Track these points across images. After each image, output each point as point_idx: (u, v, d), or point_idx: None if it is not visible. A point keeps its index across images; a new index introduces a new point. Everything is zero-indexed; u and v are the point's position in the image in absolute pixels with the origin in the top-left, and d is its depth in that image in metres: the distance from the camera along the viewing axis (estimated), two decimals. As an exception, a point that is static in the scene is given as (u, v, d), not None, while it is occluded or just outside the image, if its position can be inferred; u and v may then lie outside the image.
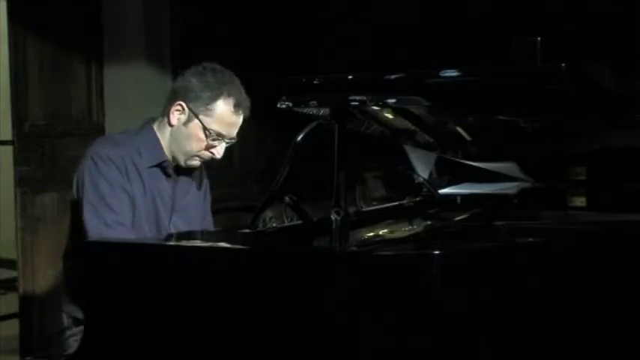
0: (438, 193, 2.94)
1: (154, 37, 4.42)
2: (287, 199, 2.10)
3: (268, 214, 2.20)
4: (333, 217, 1.86)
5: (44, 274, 4.13)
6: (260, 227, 2.15)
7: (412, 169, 2.90)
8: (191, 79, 2.38)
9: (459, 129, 2.68)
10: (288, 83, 2.07)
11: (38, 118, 4.18)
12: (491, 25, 4.30)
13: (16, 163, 4.15)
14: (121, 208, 2.30)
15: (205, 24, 4.50)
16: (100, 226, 2.27)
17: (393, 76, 2.01)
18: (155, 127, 2.45)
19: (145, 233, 2.37)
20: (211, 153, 2.40)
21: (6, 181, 4.43)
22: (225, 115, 2.36)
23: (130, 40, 4.41)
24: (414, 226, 2.65)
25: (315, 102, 2.02)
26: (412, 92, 2.06)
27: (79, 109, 4.37)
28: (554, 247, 2.02)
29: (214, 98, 2.35)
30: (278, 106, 2.06)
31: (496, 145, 2.82)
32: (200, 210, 2.57)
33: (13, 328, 4.30)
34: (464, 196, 2.94)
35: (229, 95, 2.36)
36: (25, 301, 4.16)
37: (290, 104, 2.06)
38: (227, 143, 2.41)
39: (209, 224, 2.62)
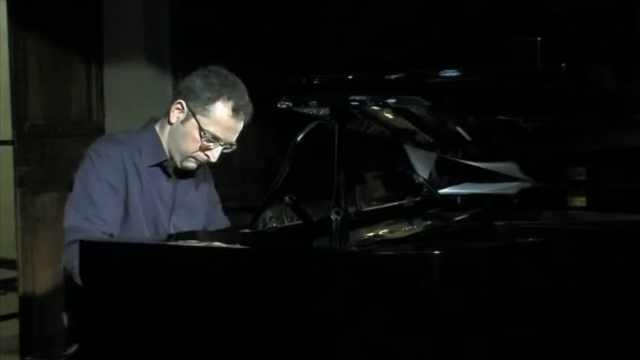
0: (438, 193, 2.94)
1: (154, 37, 4.42)
2: (287, 199, 2.10)
3: (268, 214, 2.19)
4: (333, 217, 1.86)
5: (44, 274, 4.13)
6: (260, 227, 2.15)
7: (412, 169, 2.90)
8: (195, 80, 2.39)
9: (459, 129, 2.68)
10: (288, 83, 2.07)
11: (38, 118, 4.18)
12: (491, 25, 4.30)
13: (16, 163, 4.15)
14: (105, 204, 2.30)
15: (205, 24, 4.50)
16: (79, 219, 2.28)
17: (393, 76, 2.00)
18: (157, 126, 2.46)
19: (144, 232, 2.37)
20: (206, 156, 2.40)
21: (6, 181, 4.43)
22: (223, 118, 2.36)
23: (130, 40, 4.41)
24: (414, 226, 2.65)
25: (315, 102, 2.02)
26: (412, 92, 2.06)
27: (79, 109, 4.37)
28: (554, 247, 2.01)
29: (213, 100, 2.35)
30: (278, 106, 2.06)
31: (496, 145, 2.82)
32: (203, 209, 2.56)
33: (13, 328, 4.31)
34: (464, 196, 2.94)
35: (229, 98, 2.36)
36: (25, 301, 4.16)
37: (290, 104, 2.06)
38: (224, 148, 2.40)
39: (219, 216, 2.61)
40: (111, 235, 2.29)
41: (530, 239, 2.16)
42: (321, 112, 2.06)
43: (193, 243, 2.19)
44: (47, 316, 4.10)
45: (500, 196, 2.87)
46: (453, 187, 3.00)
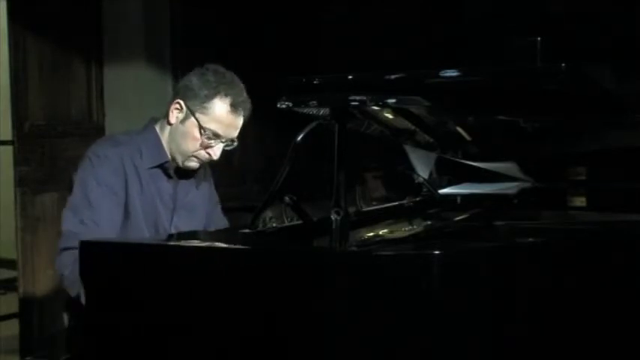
0: (438, 193, 2.94)
1: (154, 37, 4.42)
2: (287, 199, 2.10)
3: (268, 214, 2.20)
4: (333, 217, 1.86)
5: (44, 274, 4.13)
6: (260, 227, 2.15)
7: (412, 169, 2.91)
8: (192, 79, 2.39)
9: (459, 129, 2.68)
10: (288, 83, 2.07)
11: (38, 118, 4.18)
12: (491, 25, 4.30)
13: (16, 163, 4.15)
14: (102, 207, 2.30)
15: (205, 24, 4.50)
16: (74, 224, 2.28)
17: (393, 76, 2.00)
18: (157, 127, 2.46)
19: (144, 234, 2.37)
20: (208, 154, 2.40)
21: (6, 181, 4.43)
22: (222, 115, 2.36)
23: (130, 40, 4.41)
24: (414, 226, 2.65)
25: (315, 102, 2.02)
26: (412, 92, 2.06)
27: (79, 109, 4.37)
28: (554, 247, 2.01)
29: (211, 97, 2.35)
30: (278, 106, 2.06)
31: (496, 145, 2.82)
32: (204, 208, 2.56)
33: (13, 328, 4.31)
34: (464, 196, 2.94)
35: (227, 95, 2.35)
36: (25, 301, 4.17)
37: (290, 104, 2.06)
38: (225, 145, 2.40)
39: (218, 217, 2.61)
40: None
41: (530, 239, 2.16)
42: (321, 112, 2.06)
43: (193, 243, 2.19)
44: (47, 316, 4.10)
45: (500, 196, 2.87)
46: (453, 187, 3.00)
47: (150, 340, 1.96)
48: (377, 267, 1.76)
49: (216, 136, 2.37)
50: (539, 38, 2.04)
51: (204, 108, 2.35)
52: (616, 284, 2.04)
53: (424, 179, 2.91)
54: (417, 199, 2.92)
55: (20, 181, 4.13)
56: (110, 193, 2.32)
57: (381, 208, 2.80)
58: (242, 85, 2.40)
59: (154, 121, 2.48)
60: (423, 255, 1.80)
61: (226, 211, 2.71)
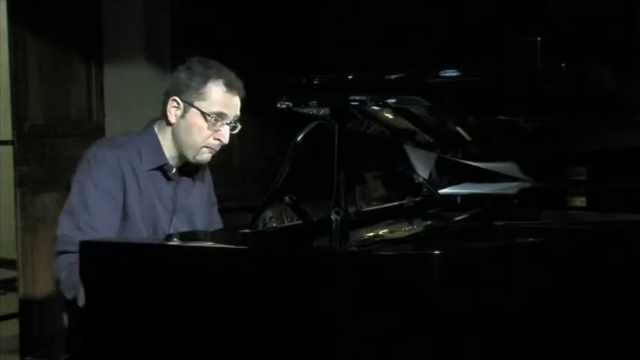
0: (438, 193, 2.94)
1: (154, 37, 4.42)
2: (287, 199, 2.10)
3: (268, 214, 2.20)
4: (333, 217, 1.86)
5: (44, 274, 4.13)
6: (260, 227, 2.15)
7: (412, 169, 2.91)
8: (179, 75, 2.41)
9: (459, 129, 2.68)
10: (288, 83, 2.07)
11: (38, 118, 4.18)
12: (491, 25, 4.29)
13: (16, 163, 4.15)
14: (99, 212, 2.29)
15: (205, 24, 4.50)
16: (71, 228, 2.27)
17: (393, 76, 2.01)
18: (156, 129, 2.45)
19: (142, 236, 2.36)
20: (217, 140, 2.40)
21: (6, 181, 4.43)
22: (220, 95, 2.37)
23: (130, 40, 4.41)
24: (414, 226, 2.65)
25: (315, 102, 2.02)
26: (412, 92, 2.06)
27: (79, 109, 4.37)
28: (554, 247, 2.01)
29: (204, 82, 2.37)
30: (278, 106, 2.06)
31: (496, 145, 2.82)
32: (202, 209, 2.56)
33: (13, 328, 4.30)
34: (464, 196, 2.94)
35: (218, 77, 2.38)
36: (25, 301, 4.16)
37: (290, 104, 2.06)
38: (231, 128, 2.40)
39: (214, 218, 2.61)
40: None
41: (530, 239, 2.16)
42: (321, 112, 2.06)
43: (194, 243, 2.19)
44: (47, 316, 4.10)
45: (500, 196, 2.87)
46: (453, 187, 3.00)
47: (150, 340, 1.96)
48: (377, 267, 1.76)
49: (221, 116, 2.38)
50: (539, 38, 2.04)
51: (201, 94, 2.37)
52: (616, 284, 2.04)
53: (424, 179, 2.91)
54: (417, 199, 2.92)
55: (20, 181, 4.13)
56: (107, 197, 2.32)
57: (381, 208, 2.80)
58: (226, 69, 2.42)
59: (154, 121, 2.48)
60: (423, 255, 1.80)
61: (226, 211, 2.71)
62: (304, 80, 2.05)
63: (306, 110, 2.08)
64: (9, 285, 5.09)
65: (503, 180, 2.93)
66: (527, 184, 2.91)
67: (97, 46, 4.43)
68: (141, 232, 2.36)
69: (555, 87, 2.02)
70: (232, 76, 2.41)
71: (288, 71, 2.18)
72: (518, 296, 1.86)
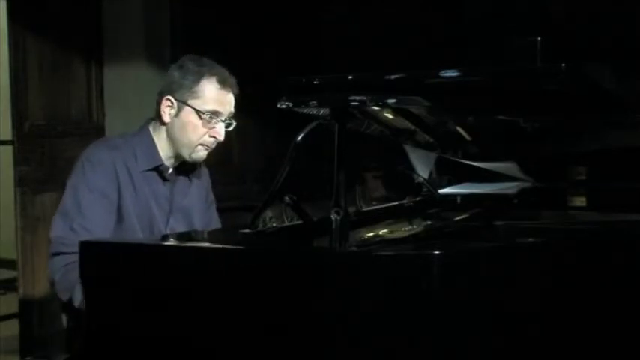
0: (438, 193, 2.94)
1: (154, 37, 4.42)
2: (287, 199, 2.10)
3: (268, 214, 2.19)
4: (333, 217, 1.85)
5: (44, 274, 4.11)
6: (260, 227, 2.15)
7: (412, 169, 2.90)
8: (172, 74, 2.41)
9: (459, 129, 2.68)
10: (288, 83, 2.07)
11: (38, 118, 4.19)
12: (491, 25, 4.29)
13: (16, 163, 4.16)
14: (94, 214, 2.29)
15: (205, 24, 4.50)
16: (64, 230, 2.27)
17: (393, 76, 2.01)
18: (151, 130, 2.45)
19: (138, 237, 2.36)
20: (212, 137, 2.39)
21: (6, 181, 4.43)
22: (213, 92, 2.37)
23: (130, 40, 4.41)
24: (414, 226, 2.65)
25: (315, 102, 2.02)
26: (412, 92, 2.06)
27: (79, 109, 4.38)
28: (554, 247, 2.01)
29: (197, 80, 2.36)
30: (278, 106, 2.06)
31: (496, 145, 2.81)
32: (202, 208, 2.56)
33: (13, 328, 4.31)
34: (464, 196, 2.94)
35: (211, 74, 2.37)
36: (25, 301, 4.17)
37: (290, 104, 2.06)
38: (226, 124, 2.40)
39: (212, 217, 2.61)
40: None
41: (530, 239, 2.16)
42: (321, 112, 2.06)
43: (193, 243, 2.19)
44: (47, 316, 4.10)
45: (500, 196, 2.87)
46: (453, 187, 3.00)
47: (150, 340, 1.96)
48: (377, 267, 1.76)
49: (216, 114, 2.37)
50: (539, 38, 2.04)
51: (195, 92, 2.36)
52: (616, 284, 2.03)
53: (424, 179, 2.91)
54: (417, 199, 2.92)
55: (20, 181, 4.14)
56: (101, 199, 2.31)
57: (381, 208, 2.80)
58: (221, 66, 2.42)
59: (148, 122, 2.47)
60: (423, 255, 1.80)
61: (226, 210, 2.71)
62: (304, 80, 2.05)
63: (306, 110, 2.08)
64: (9, 285, 5.10)
65: (503, 180, 2.92)
66: (527, 184, 2.91)
67: (97, 46, 4.43)
68: (137, 234, 2.36)
69: (555, 87, 2.02)
70: (225, 73, 2.40)
71: (288, 71, 2.17)
72: (518, 296, 1.86)
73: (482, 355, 1.81)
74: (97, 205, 2.30)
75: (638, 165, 2.68)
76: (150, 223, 2.40)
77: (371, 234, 2.32)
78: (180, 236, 2.35)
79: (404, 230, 2.54)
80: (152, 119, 2.46)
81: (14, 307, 4.34)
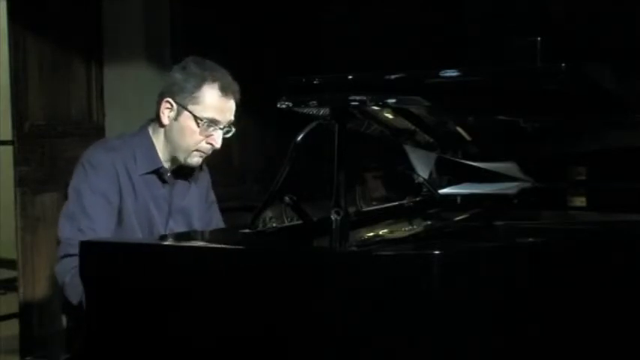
0: (438, 193, 2.94)
1: (154, 37, 4.42)
2: (287, 199, 2.10)
3: (268, 214, 2.19)
4: (333, 217, 1.85)
5: (44, 274, 4.13)
6: (260, 227, 2.15)
7: (412, 169, 2.90)
8: (175, 75, 2.38)
9: (459, 129, 2.68)
10: (288, 83, 2.07)
11: (38, 118, 4.18)
12: (491, 25, 4.29)
13: (16, 163, 4.15)
14: (99, 216, 2.29)
15: (205, 24, 4.50)
16: (72, 231, 2.27)
17: (393, 76, 2.01)
18: (151, 131, 2.44)
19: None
20: (209, 144, 2.38)
21: (6, 181, 4.43)
22: (214, 100, 2.34)
23: (130, 40, 4.41)
24: (414, 226, 2.65)
25: (315, 102, 2.02)
26: (412, 92, 2.06)
27: (79, 109, 4.38)
28: (554, 247, 2.01)
29: (199, 86, 2.34)
30: (278, 106, 2.06)
31: (496, 145, 2.81)
32: (202, 208, 2.55)
33: (13, 328, 4.31)
34: (464, 196, 2.94)
35: (213, 80, 2.34)
36: (25, 301, 4.17)
37: (290, 104, 2.06)
38: (223, 131, 2.38)
39: (214, 216, 2.61)
40: None
41: (530, 239, 2.16)
42: (321, 112, 2.06)
43: (193, 243, 2.19)
44: (47, 316, 4.10)
45: (500, 196, 2.86)
46: (453, 187, 3.00)
47: (150, 340, 1.96)
48: (377, 267, 1.76)
49: (214, 122, 2.35)
50: (539, 38, 2.04)
51: (195, 98, 2.34)
52: (616, 284, 2.03)
53: (424, 179, 2.91)
54: (417, 199, 2.92)
55: (20, 181, 4.13)
56: (104, 201, 2.31)
57: (381, 208, 2.80)
58: (224, 69, 2.39)
59: (148, 123, 2.46)
60: (423, 255, 1.80)
61: (226, 211, 2.70)
62: (304, 80, 2.05)
63: (306, 110, 2.08)
64: (9, 285, 5.09)
65: (503, 180, 2.92)
66: (527, 184, 2.91)
67: (97, 46, 4.43)
68: (136, 236, 2.35)
69: (555, 87, 2.02)
70: (228, 79, 2.38)
71: (288, 71, 2.17)
72: (518, 296, 1.86)
73: (482, 355, 1.81)
74: (100, 206, 2.30)
75: (638, 165, 2.68)
76: (149, 225, 2.39)
77: (371, 234, 2.32)
78: (180, 236, 2.35)
79: (404, 230, 2.54)
80: (152, 120, 2.46)
81: (14, 307, 4.33)
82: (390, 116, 2.41)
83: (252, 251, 1.99)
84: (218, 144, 2.39)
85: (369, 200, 2.95)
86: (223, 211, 2.68)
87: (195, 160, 2.41)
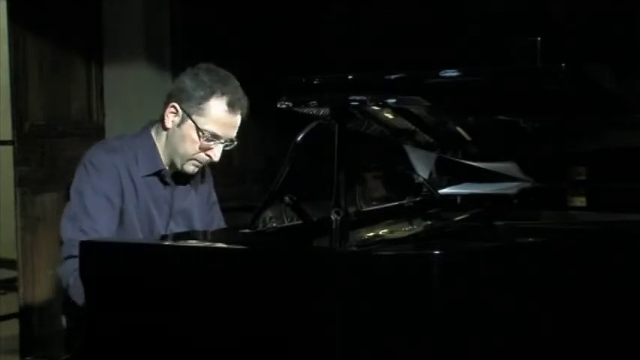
0: (438, 193, 2.94)
1: (154, 37, 4.42)
2: (287, 199, 2.10)
3: (268, 214, 2.19)
4: (333, 217, 1.85)
5: (44, 274, 4.13)
6: (260, 227, 2.15)
7: (412, 169, 2.90)
8: (185, 80, 2.35)
9: (459, 129, 2.68)
10: (288, 83, 2.07)
11: (38, 118, 4.19)
12: (491, 25, 4.29)
13: (16, 163, 4.16)
14: (101, 217, 2.29)
15: (205, 24, 4.50)
16: (75, 232, 2.26)
17: (393, 76, 2.00)
18: (153, 133, 2.43)
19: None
20: (208, 156, 2.37)
21: (6, 181, 4.43)
22: (219, 115, 2.33)
23: (130, 40, 4.41)
24: (414, 226, 2.65)
25: (315, 102, 2.02)
26: (412, 92, 2.06)
27: (79, 109, 4.38)
28: (554, 247, 2.01)
29: (207, 97, 2.31)
30: (278, 106, 2.06)
31: (496, 145, 2.81)
32: (203, 209, 2.55)
33: (13, 328, 4.31)
34: (464, 196, 2.94)
35: (223, 94, 2.32)
36: (25, 301, 4.17)
37: (290, 104, 2.06)
38: (225, 145, 2.37)
39: (216, 216, 2.60)
40: None
41: (530, 239, 2.16)
42: (321, 112, 2.06)
43: (193, 243, 2.19)
44: (47, 316, 4.10)
45: (500, 196, 2.87)
46: (453, 187, 3.00)
47: (150, 340, 1.96)
48: (377, 267, 1.76)
49: (215, 137, 2.34)
50: (539, 38, 2.04)
51: (201, 109, 2.32)
52: (616, 284, 2.04)
53: (424, 179, 2.91)
54: (417, 199, 2.92)
55: (20, 181, 4.13)
56: (106, 202, 2.31)
57: (381, 208, 2.80)
58: (237, 82, 2.37)
59: (151, 124, 2.45)
60: (423, 255, 1.80)
61: (226, 211, 2.70)
62: (304, 80, 2.05)
63: (306, 110, 2.08)
64: (9, 285, 5.09)
65: (503, 180, 2.92)
66: (527, 184, 2.91)
67: (97, 46, 4.43)
68: (137, 236, 2.35)
69: (555, 87, 2.02)
70: (238, 94, 2.34)
71: (288, 71, 2.17)
72: (518, 296, 1.86)
73: (482, 355, 1.81)
74: (102, 207, 2.30)
75: (638, 165, 2.68)
76: (150, 226, 2.39)
77: (371, 234, 2.32)
78: (180, 236, 2.35)
79: (404, 230, 2.54)
80: (155, 122, 2.45)
81: (14, 307, 4.33)
82: (390, 116, 2.41)
83: (252, 251, 1.99)
84: (216, 158, 2.37)
85: (369, 200, 2.95)
86: (224, 211, 2.68)
87: (191, 168, 2.40)
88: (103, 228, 2.28)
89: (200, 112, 2.32)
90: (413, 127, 2.58)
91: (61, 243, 2.32)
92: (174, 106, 2.35)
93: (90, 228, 2.27)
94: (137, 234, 2.35)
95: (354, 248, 1.89)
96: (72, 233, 2.28)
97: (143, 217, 2.38)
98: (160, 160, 2.40)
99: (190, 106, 2.33)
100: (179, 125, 2.36)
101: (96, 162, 2.34)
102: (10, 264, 4.74)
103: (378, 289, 1.75)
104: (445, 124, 2.65)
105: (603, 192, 2.86)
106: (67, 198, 2.38)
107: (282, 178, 2.06)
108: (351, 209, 2.29)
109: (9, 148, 4.30)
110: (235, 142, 2.39)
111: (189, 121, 2.33)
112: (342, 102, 1.96)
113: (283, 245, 2.10)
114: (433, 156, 2.94)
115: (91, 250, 2.04)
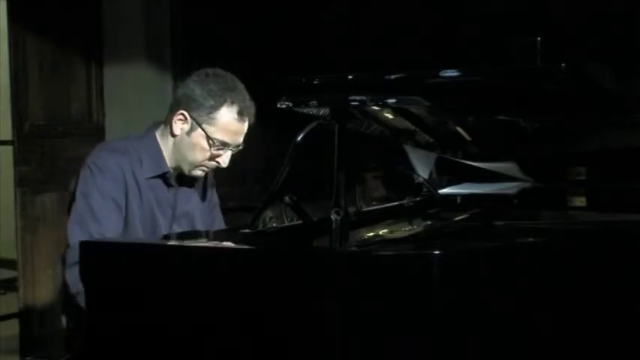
0: (438, 193, 2.94)
1: (154, 37, 4.42)
2: (287, 199, 2.09)
3: (268, 214, 2.19)
4: (333, 217, 1.85)
5: (44, 274, 4.13)
6: (260, 227, 2.15)
7: (412, 169, 2.90)
8: (194, 88, 2.33)
9: (459, 129, 2.68)
10: (288, 83, 2.07)
11: (38, 118, 4.19)
12: (491, 25, 4.29)
13: (16, 163, 4.16)
14: (108, 220, 2.28)
15: (205, 24, 4.50)
16: (83, 237, 2.24)
17: (393, 76, 2.01)
18: (158, 135, 2.42)
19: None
20: (216, 162, 2.38)
21: (6, 181, 4.43)
22: (230, 124, 2.33)
23: (130, 40, 4.41)
24: (414, 226, 2.65)
25: (315, 102, 2.02)
26: (412, 92, 2.06)
27: (79, 109, 4.38)
28: (554, 247, 2.01)
29: (217, 106, 2.31)
30: (278, 106, 2.06)
31: (496, 145, 2.82)
32: (205, 211, 2.55)
33: (13, 328, 4.31)
34: (464, 196, 2.94)
35: (233, 103, 2.32)
36: (25, 301, 4.17)
37: (290, 104, 2.06)
38: (232, 151, 2.38)
39: (216, 217, 2.60)
40: None
41: (530, 239, 2.16)
42: (321, 112, 2.06)
43: (194, 243, 2.19)
44: (47, 316, 4.10)
45: (500, 196, 2.86)
46: (453, 187, 3.00)
47: (151, 341, 1.96)
48: (377, 267, 1.76)
49: (225, 144, 2.34)
50: (539, 38, 2.04)
51: (212, 119, 2.31)
52: (616, 284, 2.03)
53: (424, 179, 2.91)
54: (417, 199, 2.92)
55: (20, 181, 4.14)
56: (113, 205, 2.30)
57: (381, 208, 2.80)
58: (244, 87, 2.36)
59: (155, 126, 2.44)
60: (423, 255, 1.80)
61: (226, 211, 2.70)
62: (304, 80, 2.05)
63: (306, 110, 2.08)
64: (9, 285, 5.09)
65: (503, 180, 2.92)
66: (527, 184, 2.91)
67: (97, 46, 4.43)
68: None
69: (555, 87, 2.02)
70: (247, 100, 2.34)
71: (288, 71, 2.17)
72: (519, 296, 1.86)
73: (482, 355, 1.81)
74: (109, 210, 2.29)
75: (638, 165, 2.68)
76: (153, 228, 2.39)
77: (371, 234, 2.32)
78: (181, 236, 2.35)
79: (404, 230, 2.54)
80: (159, 123, 2.43)
81: (14, 307, 4.34)
82: (390, 116, 2.41)
83: (252, 251, 1.99)
84: (225, 164, 2.38)
85: (369, 200, 2.95)
86: (224, 211, 2.68)
87: (199, 173, 2.41)
88: (110, 231, 2.27)
89: (211, 121, 2.32)
90: (413, 127, 2.58)
91: (67, 246, 2.31)
92: (182, 114, 2.34)
93: (97, 232, 2.26)
94: (140, 236, 2.35)
95: (354, 248, 1.89)
96: (80, 238, 2.27)
97: (146, 218, 2.37)
98: (165, 162, 2.40)
99: (200, 115, 2.32)
100: (188, 133, 2.35)
101: (100, 164, 2.32)
102: (10, 264, 4.74)
103: (378, 289, 1.75)
104: (445, 124, 2.65)
105: (603, 192, 2.86)
106: (69, 198, 2.38)
107: (282, 178, 2.06)
108: (351, 209, 2.29)
109: (9, 148, 4.31)
110: (242, 146, 2.40)
111: (200, 130, 2.32)
112: (342, 102, 1.96)
113: (283, 245, 2.10)
114: (433, 156, 2.94)
115: (91, 250, 2.04)
